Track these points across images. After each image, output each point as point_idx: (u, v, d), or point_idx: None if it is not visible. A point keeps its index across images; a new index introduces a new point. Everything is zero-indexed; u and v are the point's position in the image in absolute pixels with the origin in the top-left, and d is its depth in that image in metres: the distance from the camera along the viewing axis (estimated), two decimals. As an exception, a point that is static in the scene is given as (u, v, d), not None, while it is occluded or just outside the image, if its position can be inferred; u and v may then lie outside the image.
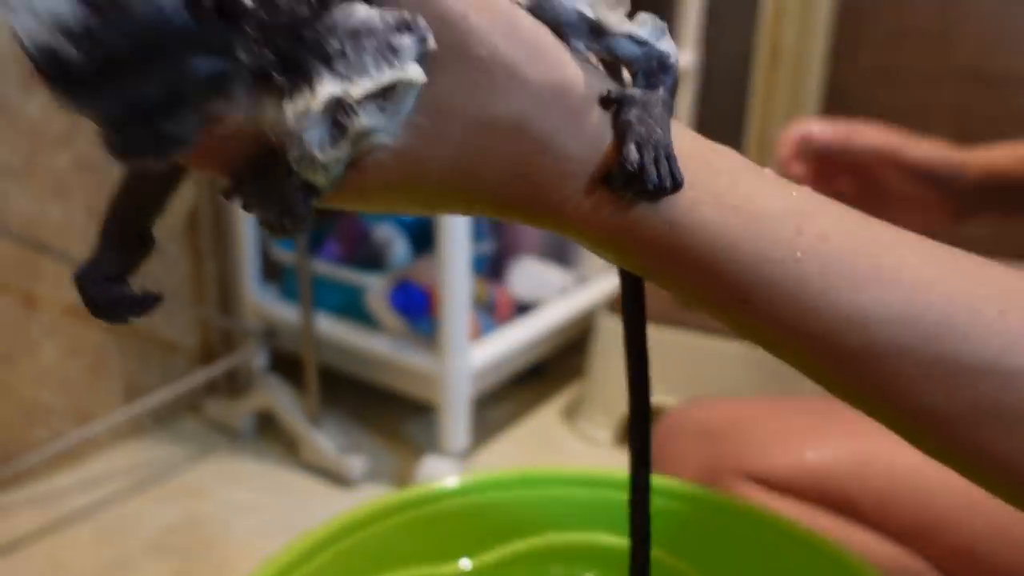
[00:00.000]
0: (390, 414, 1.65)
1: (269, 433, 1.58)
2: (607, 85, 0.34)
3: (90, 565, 1.28)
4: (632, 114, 0.33)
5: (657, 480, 0.50)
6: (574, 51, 0.33)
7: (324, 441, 1.47)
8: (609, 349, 1.59)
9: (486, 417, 1.65)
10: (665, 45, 0.35)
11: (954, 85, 1.74)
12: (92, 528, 1.35)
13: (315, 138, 0.27)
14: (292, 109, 0.27)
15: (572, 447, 1.62)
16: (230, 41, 0.26)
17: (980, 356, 0.31)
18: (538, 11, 0.32)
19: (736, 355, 1.44)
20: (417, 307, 1.47)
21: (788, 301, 0.32)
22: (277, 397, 1.51)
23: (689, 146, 0.34)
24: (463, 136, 0.31)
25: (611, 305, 1.60)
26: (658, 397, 0.49)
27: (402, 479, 1.48)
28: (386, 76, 0.27)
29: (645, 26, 0.34)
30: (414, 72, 0.28)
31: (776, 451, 0.70)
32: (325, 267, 1.56)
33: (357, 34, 0.27)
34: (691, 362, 1.48)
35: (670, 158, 0.32)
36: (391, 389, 1.50)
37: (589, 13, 0.33)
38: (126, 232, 0.34)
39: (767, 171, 0.35)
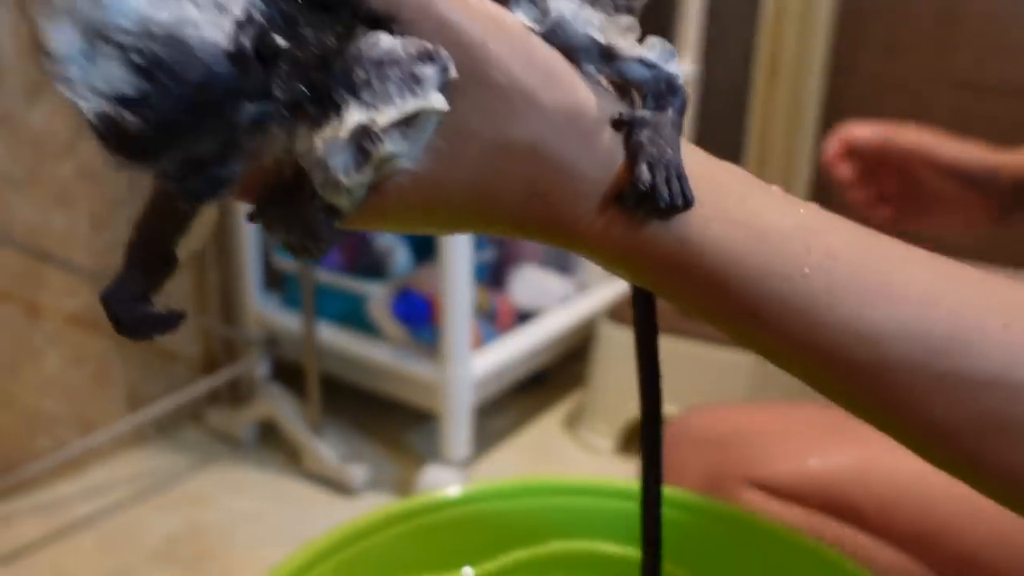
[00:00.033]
0: (391, 423, 1.65)
1: (271, 442, 1.59)
2: (618, 107, 0.34)
3: (93, 574, 1.28)
4: (643, 135, 0.33)
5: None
6: (586, 75, 0.34)
7: (326, 450, 1.47)
8: (610, 357, 1.59)
9: (487, 425, 1.66)
10: (673, 67, 0.36)
11: (952, 94, 1.75)
12: (95, 537, 1.36)
13: (340, 164, 0.28)
14: (321, 137, 0.28)
15: (573, 455, 1.63)
16: (268, 82, 0.27)
17: (986, 369, 0.32)
18: (551, 37, 0.33)
19: (737, 364, 1.45)
20: (418, 315, 1.47)
21: (797, 316, 0.33)
22: (279, 406, 1.52)
23: (699, 165, 0.35)
24: (481, 159, 0.31)
25: (612, 313, 1.60)
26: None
27: (404, 488, 1.49)
28: (410, 105, 0.28)
29: (654, 49, 0.35)
30: (437, 101, 0.29)
31: (779, 457, 0.70)
32: (327, 276, 1.56)
33: (381, 64, 0.28)
34: (692, 371, 1.49)
35: (681, 177, 0.33)
36: (392, 398, 1.50)
37: (600, 38, 0.34)
38: (151, 253, 0.35)
39: (775, 188, 0.36)
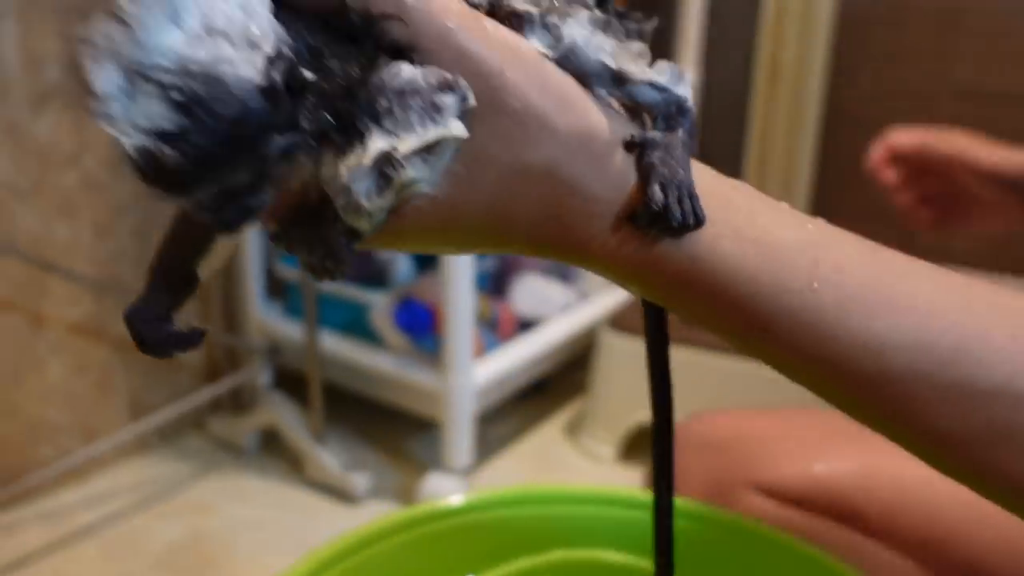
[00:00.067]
0: (394, 431, 1.66)
1: (273, 450, 1.59)
2: (630, 129, 0.35)
3: (97, 582, 1.29)
4: (655, 156, 0.34)
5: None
6: (598, 98, 0.35)
7: (328, 458, 1.48)
8: (611, 365, 1.60)
9: (489, 433, 1.66)
10: (683, 90, 0.37)
11: (953, 103, 1.76)
12: (98, 545, 1.36)
13: (363, 189, 0.29)
14: (345, 164, 0.29)
15: (575, 463, 1.63)
16: (296, 114, 0.27)
17: (993, 379, 0.33)
18: (565, 63, 0.34)
19: (740, 372, 1.45)
20: (421, 324, 1.48)
21: (806, 329, 0.34)
22: (281, 414, 1.52)
23: (709, 184, 0.36)
24: (497, 182, 0.32)
25: (613, 321, 1.61)
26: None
27: (406, 496, 1.49)
28: (431, 133, 0.29)
29: (664, 73, 0.36)
30: (457, 128, 0.30)
31: (783, 462, 0.70)
32: (329, 285, 1.57)
33: (403, 93, 0.29)
34: (694, 379, 1.49)
35: (692, 197, 0.34)
36: (395, 406, 1.51)
37: (611, 63, 0.35)
38: (172, 274, 0.35)
39: (783, 205, 0.37)
